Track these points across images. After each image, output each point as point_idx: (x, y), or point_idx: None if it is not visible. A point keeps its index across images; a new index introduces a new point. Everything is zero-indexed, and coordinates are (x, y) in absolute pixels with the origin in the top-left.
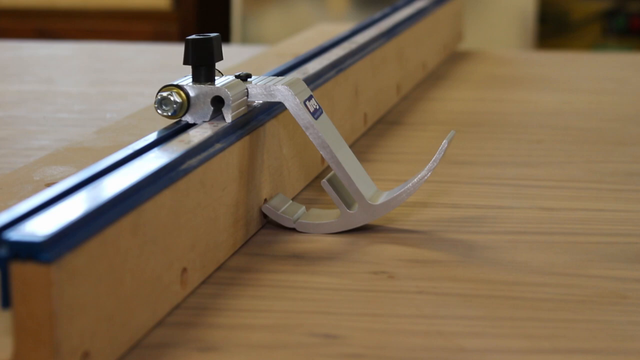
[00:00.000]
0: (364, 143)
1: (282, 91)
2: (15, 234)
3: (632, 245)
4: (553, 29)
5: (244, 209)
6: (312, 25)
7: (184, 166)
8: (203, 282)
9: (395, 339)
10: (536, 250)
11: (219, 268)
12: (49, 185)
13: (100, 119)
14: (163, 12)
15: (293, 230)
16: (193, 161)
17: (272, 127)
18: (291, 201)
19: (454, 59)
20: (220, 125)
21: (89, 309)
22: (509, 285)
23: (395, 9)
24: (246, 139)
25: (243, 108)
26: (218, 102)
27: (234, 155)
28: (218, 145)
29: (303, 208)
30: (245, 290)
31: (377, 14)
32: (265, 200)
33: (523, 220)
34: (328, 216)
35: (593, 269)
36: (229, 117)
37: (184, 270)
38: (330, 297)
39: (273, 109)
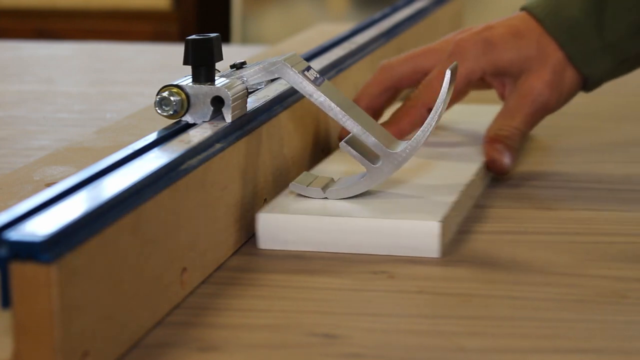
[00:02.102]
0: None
1: (279, 66)
2: (15, 234)
3: (632, 245)
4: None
5: (244, 209)
6: (312, 25)
7: (184, 166)
8: (203, 282)
9: (395, 339)
10: (536, 250)
11: (219, 268)
12: (49, 185)
13: (100, 119)
14: (163, 12)
15: None
16: (193, 161)
17: (272, 127)
18: (317, 175)
19: None
20: (220, 125)
21: (89, 309)
22: (509, 285)
23: (395, 9)
24: (246, 139)
25: (243, 108)
26: (218, 102)
27: (234, 155)
28: (218, 145)
29: (330, 178)
30: (245, 290)
31: (377, 14)
32: (266, 200)
33: (523, 220)
34: (356, 178)
35: (593, 269)
36: (228, 117)
37: (184, 270)
38: (330, 297)
39: (273, 108)
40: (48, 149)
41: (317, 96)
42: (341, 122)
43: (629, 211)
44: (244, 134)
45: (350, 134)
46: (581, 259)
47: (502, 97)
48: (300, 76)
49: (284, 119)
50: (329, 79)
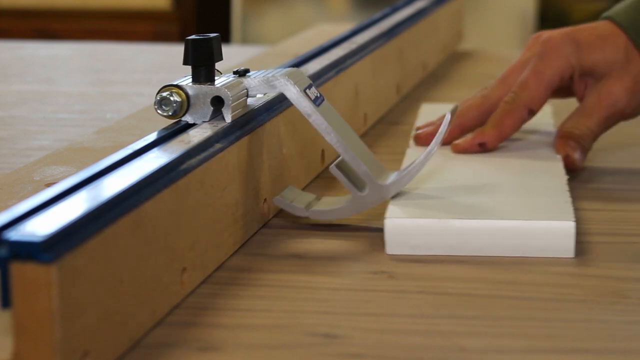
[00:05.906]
0: (364, 143)
1: (282, 81)
2: (15, 234)
3: (632, 245)
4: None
5: (244, 209)
6: (312, 25)
7: (184, 166)
8: (203, 282)
9: (395, 339)
10: None
11: (219, 268)
12: (49, 185)
13: (100, 119)
14: (163, 12)
15: (293, 230)
16: (193, 161)
17: (272, 127)
18: (302, 191)
19: (454, 59)
20: (220, 125)
21: (89, 308)
22: (509, 285)
23: (395, 9)
24: (246, 139)
25: (243, 108)
26: (218, 102)
27: (234, 155)
28: (218, 145)
29: (314, 197)
30: (245, 290)
31: (377, 14)
32: (265, 200)
33: None
34: (340, 202)
35: (593, 269)
36: (228, 117)
37: (184, 270)
38: (330, 297)
39: (273, 108)
40: (48, 149)
41: (316, 117)
42: (335, 147)
43: (630, 211)
44: (244, 134)
45: (341, 158)
46: (581, 258)
47: (581, 99)
48: (302, 95)
49: (283, 119)
50: (329, 79)
